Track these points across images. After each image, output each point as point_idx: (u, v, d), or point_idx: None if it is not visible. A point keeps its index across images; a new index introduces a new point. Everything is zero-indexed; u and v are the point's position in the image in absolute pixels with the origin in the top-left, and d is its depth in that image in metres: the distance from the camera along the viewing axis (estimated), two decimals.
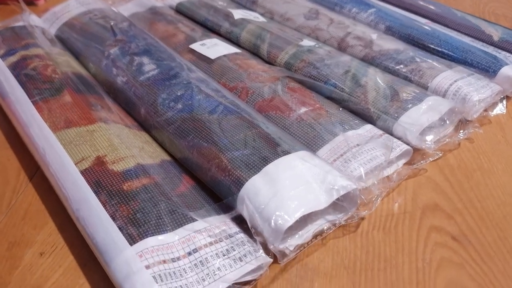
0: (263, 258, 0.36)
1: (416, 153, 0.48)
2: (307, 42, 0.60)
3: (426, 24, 0.65)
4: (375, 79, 0.53)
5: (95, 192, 0.38)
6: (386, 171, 0.46)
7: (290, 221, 0.36)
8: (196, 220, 0.38)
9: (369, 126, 0.49)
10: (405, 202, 0.44)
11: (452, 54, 0.60)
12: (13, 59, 0.54)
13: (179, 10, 0.72)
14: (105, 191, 0.38)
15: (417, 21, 0.66)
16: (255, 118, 0.46)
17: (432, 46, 0.61)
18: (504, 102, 0.56)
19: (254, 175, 0.39)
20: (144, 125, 0.48)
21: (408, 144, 0.47)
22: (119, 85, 0.52)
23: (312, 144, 0.46)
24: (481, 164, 0.49)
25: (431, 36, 0.62)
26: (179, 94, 0.48)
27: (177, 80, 0.50)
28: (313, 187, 0.39)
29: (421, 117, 0.48)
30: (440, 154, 0.48)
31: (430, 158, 0.47)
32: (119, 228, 0.36)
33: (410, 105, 0.50)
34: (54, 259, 0.38)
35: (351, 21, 0.66)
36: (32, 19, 0.62)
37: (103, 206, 0.37)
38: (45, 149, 0.43)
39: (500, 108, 0.56)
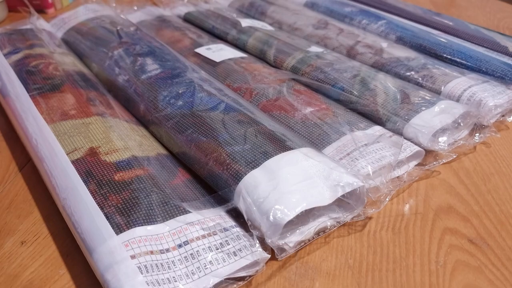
0: (260, 254, 0.33)
1: (428, 155, 0.45)
2: (315, 49, 0.59)
3: (438, 35, 0.63)
4: (385, 83, 0.51)
5: (85, 181, 0.36)
6: (397, 171, 0.43)
7: (290, 215, 0.33)
8: (189, 212, 0.35)
9: (378, 128, 0.46)
10: (417, 203, 0.41)
11: (465, 62, 0.57)
12: (16, 57, 0.53)
13: (187, 19, 0.71)
14: (95, 181, 0.36)
15: (429, 32, 0.64)
16: (258, 116, 0.43)
17: (444, 55, 0.59)
18: None
19: (253, 169, 0.37)
20: (143, 121, 0.46)
21: (419, 146, 0.45)
22: (120, 83, 0.50)
23: (317, 142, 0.43)
24: (499, 168, 0.46)
25: (443, 46, 0.60)
26: (180, 91, 0.46)
27: (179, 79, 0.48)
28: (316, 183, 0.36)
29: (433, 119, 0.46)
30: (454, 156, 0.45)
31: (443, 160, 0.44)
32: (106, 217, 0.33)
33: (422, 108, 0.47)
34: (36, 249, 0.36)
35: (361, 31, 0.64)
36: (40, 23, 0.62)
37: (92, 195, 0.35)
38: (37, 139, 0.41)
39: None
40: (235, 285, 0.32)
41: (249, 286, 0.33)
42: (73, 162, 0.38)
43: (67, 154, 0.39)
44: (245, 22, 0.65)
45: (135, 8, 0.72)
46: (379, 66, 0.57)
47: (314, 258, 0.36)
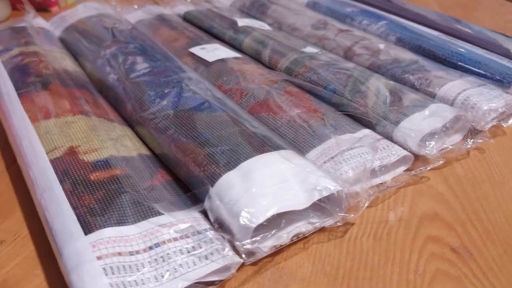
0: (231, 258, 0.32)
1: (418, 160, 0.44)
2: (310, 49, 0.58)
3: (438, 36, 0.62)
4: (378, 85, 0.50)
5: (60, 181, 0.36)
6: (383, 176, 0.42)
7: (260, 219, 0.33)
8: (163, 214, 0.35)
9: (367, 131, 0.45)
10: (402, 210, 0.40)
11: (464, 65, 0.56)
12: (9, 54, 0.53)
13: (186, 18, 0.71)
14: (70, 180, 0.36)
15: (428, 33, 0.63)
16: (242, 117, 0.43)
17: (443, 57, 0.58)
18: None
19: (229, 170, 0.36)
20: (129, 121, 0.46)
21: (408, 150, 0.44)
22: (110, 82, 0.50)
23: (302, 145, 0.43)
24: (492, 175, 0.44)
25: (442, 48, 0.59)
26: (166, 91, 0.46)
27: (167, 78, 0.48)
28: (292, 186, 0.35)
29: (422, 123, 0.45)
30: (441, 162, 0.44)
31: (431, 165, 0.43)
32: (77, 217, 0.33)
33: (412, 111, 0.46)
34: (14, 248, 0.36)
35: (361, 32, 0.63)
36: (37, 21, 0.62)
37: (66, 195, 0.35)
38: (21, 138, 0.42)
39: None
40: None
41: None
42: (51, 161, 0.38)
43: (47, 153, 0.39)
44: (242, 22, 0.65)
45: (136, 7, 0.72)
46: (375, 68, 0.56)
47: (290, 264, 0.35)
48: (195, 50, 0.58)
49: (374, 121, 0.47)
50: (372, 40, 0.61)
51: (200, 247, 0.33)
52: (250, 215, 0.33)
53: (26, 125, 0.42)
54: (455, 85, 0.51)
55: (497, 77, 0.53)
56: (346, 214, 0.37)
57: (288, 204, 0.34)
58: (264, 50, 0.59)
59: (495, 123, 0.50)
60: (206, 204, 0.35)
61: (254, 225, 0.33)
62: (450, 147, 0.45)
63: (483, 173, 0.44)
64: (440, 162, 0.44)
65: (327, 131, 0.43)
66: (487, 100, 0.49)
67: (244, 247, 0.33)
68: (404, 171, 0.44)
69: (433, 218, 0.39)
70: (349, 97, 0.49)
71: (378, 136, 0.45)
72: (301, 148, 0.43)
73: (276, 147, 0.39)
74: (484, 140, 0.47)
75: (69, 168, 0.37)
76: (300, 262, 0.35)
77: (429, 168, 0.43)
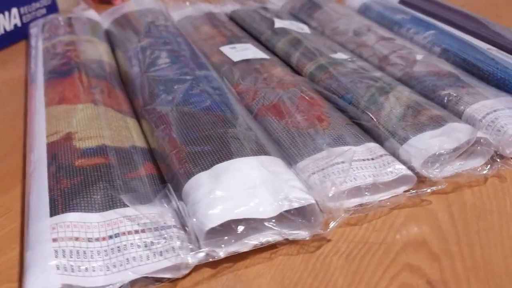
0: (183, 258, 0.32)
1: (425, 182, 0.41)
2: (340, 55, 0.56)
3: (488, 50, 0.57)
4: (398, 98, 0.47)
5: (49, 164, 0.38)
6: (379, 195, 0.39)
7: (215, 222, 0.32)
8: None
9: (372, 145, 0.43)
10: (388, 232, 0.37)
11: (508, 83, 0.51)
12: (51, 42, 0.57)
13: (232, 17, 0.72)
14: (57, 164, 0.38)
15: (478, 46, 0.58)
16: (239, 119, 0.43)
17: (486, 74, 0.53)
18: None
19: (203, 171, 0.36)
20: (137, 113, 0.48)
21: (413, 170, 0.41)
22: (132, 74, 0.52)
23: (295, 153, 0.41)
24: (504, 206, 0.40)
25: (487, 63, 0.54)
26: (175, 87, 0.47)
27: (182, 75, 0.49)
28: (260, 194, 0.35)
29: (431, 142, 0.41)
30: (442, 186, 0.40)
31: (432, 188, 0.40)
32: (50, 199, 0.35)
33: (424, 129, 0.43)
34: (2, 222, 0.38)
35: (403, 41, 0.60)
36: (88, 13, 0.66)
37: (48, 177, 0.37)
38: (33, 120, 0.45)
39: None
40: (152, 285, 0.32)
41: None
42: (48, 144, 0.40)
43: (47, 136, 0.41)
44: (280, 23, 0.64)
45: (187, 3, 0.74)
46: (407, 79, 0.53)
47: (249, 272, 0.34)
48: (225, 49, 0.58)
49: (383, 135, 0.44)
50: (413, 49, 0.57)
51: (158, 243, 0.33)
52: (206, 217, 0.33)
53: (40, 109, 0.45)
54: (486, 104, 0.47)
55: None
56: (320, 230, 0.36)
57: (250, 211, 0.34)
58: (294, 53, 0.58)
59: None
60: (175, 202, 0.35)
61: (206, 228, 0.32)
62: (461, 171, 0.42)
63: (494, 204, 0.40)
64: (440, 186, 0.40)
65: (322, 141, 0.41)
66: None
67: (200, 248, 0.33)
68: (405, 191, 0.41)
69: (419, 246, 0.36)
70: (362, 108, 0.47)
71: (382, 152, 0.42)
72: (293, 156, 0.41)
73: (258, 152, 0.38)
74: (507, 168, 0.43)
75: (59, 152, 0.39)
76: (261, 272, 0.34)
77: (429, 191, 0.40)
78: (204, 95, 0.46)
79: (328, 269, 0.34)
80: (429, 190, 0.40)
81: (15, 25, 0.68)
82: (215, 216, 0.33)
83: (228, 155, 0.37)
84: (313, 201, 0.35)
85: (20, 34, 0.68)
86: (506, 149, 0.44)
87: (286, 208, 0.34)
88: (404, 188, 0.41)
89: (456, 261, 0.35)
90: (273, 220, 0.34)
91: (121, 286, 0.31)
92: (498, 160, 0.43)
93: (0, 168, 0.45)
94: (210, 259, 0.33)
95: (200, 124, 0.41)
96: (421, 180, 0.41)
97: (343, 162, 0.40)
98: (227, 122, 0.42)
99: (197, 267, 0.34)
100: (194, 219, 0.34)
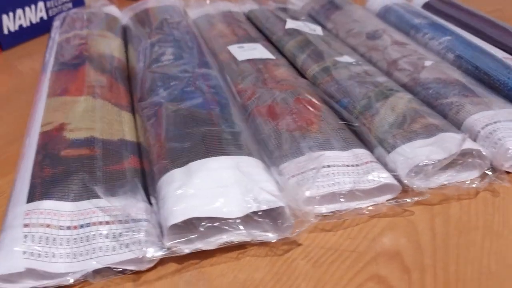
0: (145, 252, 0.33)
1: (409, 192, 0.40)
2: (346, 59, 0.55)
3: (504, 58, 0.54)
4: (395, 104, 0.46)
5: (37, 152, 0.40)
6: (355, 202, 0.39)
7: (178, 219, 0.33)
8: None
9: (360, 151, 0.42)
10: (362, 241, 0.37)
11: None
12: (67, 35, 0.60)
13: (248, 17, 0.72)
14: (44, 152, 0.40)
15: (493, 54, 0.55)
16: (227, 118, 0.43)
17: (497, 83, 0.51)
18: None
19: (178, 167, 0.37)
20: (134, 108, 0.49)
21: (398, 179, 0.40)
22: (136, 70, 0.53)
23: (279, 155, 0.41)
24: (490, 223, 0.38)
25: (500, 72, 0.51)
26: (172, 83, 0.48)
27: (181, 73, 0.50)
28: (228, 194, 0.35)
29: (419, 152, 0.40)
30: (423, 198, 0.39)
31: (413, 198, 0.39)
32: (30, 186, 0.36)
33: (415, 137, 0.42)
34: None
35: (414, 46, 0.58)
36: (108, 9, 0.68)
37: (34, 165, 0.38)
38: (35, 109, 0.47)
39: None
40: (113, 276, 0.33)
41: (136, 281, 0.34)
42: (41, 133, 0.42)
43: (41, 126, 0.43)
44: (292, 24, 0.64)
45: (208, 1, 0.75)
46: (412, 86, 0.51)
47: (213, 271, 0.34)
48: (232, 47, 0.59)
49: (374, 142, 0.43)
50: (423, 55, 0.55)
51: (127, 235, 0.34)
52: (171, 213, 0.33)
53: (43, 99, 0.47)
54: (487, 115, 0.45)
55: None
56: (289, 234, 0.35)
57: (216, 211, 0.34)
58: (301, 54, 0.58)
59: None
60: (141, 196, 0.36)
61: (169, 224, 0.33)
62: (450, 183, 0.40)
63: (481, 219, 0.39)
64: (423, 197, 0.39)
65: (305, 144, 0.41)
66: None
67: (165, 243, 0.33)
68: (388, 200, 0.40)
69: (392, 257, 0.35)
70: (357, 113, 0.46)
71: (369, 159, 0.41)
72: (277, 158, 0.41)
73: (235, 153, 0.38)
74: (500, 182, 0.41)
75: (49, 142, 0.41)
76: (224, 271, 0.34)
77: (409, 201, 0.39)
78: (197, 93, 0.46)
79: (293, 273, 0.34)
80: (409, 200, 0.39)
81: (41, 18, 0.71)
82: (179, 212, 0.33)
83: (204, 154, 0.38)
84: (282, 204, 0.35)
85: (46, 27, 0.71)
86: (500, 163, 0.42)
87: (254, 209, 0.34)
88: (388, 197, 0.40)
89: (426, 275, 0.34)
90: (239, 221, 0.34)
91: (85, 275, 0.32)
92: (490, 173, 0.41)
93: (5, 152, 0.47)
94: (173, 254, 0.33)
95: (186, 122, 0.42)
96: (406, 190, 0.40)
97: (323, 167, 0.39)
98: (212, 121, 0.42)
99: (163, 262, 0.35)
100: (161, 215, 0.34)
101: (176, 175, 0.36)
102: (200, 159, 0.37)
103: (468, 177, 0.42)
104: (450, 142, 0.41)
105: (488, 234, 0.37)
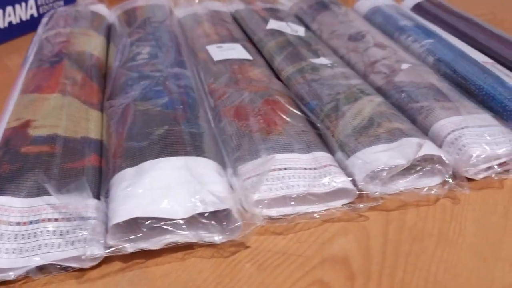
0: (88, 249, 0.33)
1: (363, 197, 0.39)
2: (322, 60, 0.55)
3: (483, 62, 0.53)
4: (362, 108, 0.45)
5: (0, 148, 0.40)
6: (306, 206, 0.38)
7: (121, 218, 0.33)
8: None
9: (321, 154, 0.41)
10: (311, 245, 0.36)
11: (489, 100, 0.48)
12: (49, 33, 0.60)
13: (234, 17, 0.72)
14: (6, 148, 0.40)
15: (472, 58, 0.54)
16: (190, 118, 0.43)
17: (473, 88, 0.50)
18: None
19: (130, 167, 0.37)
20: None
21: (356, 184, 0.39)
22: (112, 68, 0.54)
23: (238, 157, 0.41)
24: (446, 230, 0.37)
25: (477, 76, 0.50)
26: (142, 83, 0.48)
27: (153, 72, 0.50)
28: (175, 194, 0.35)
29: (378, 156, 0.40)
30: (376, 203, 0.38)
31: (367, 204, 0.38)
32: None
33: (376, 142, 0.41)
34: None
35: (395, 48, 0.57)
36: (96, 7, 0.69)
37: None
38: (6, 106, 0.47)
39: None
40: (57, 272, 0.33)
41: (79, 278, 0.34)
42: (6, 129, 0.43)
43: (8, 122, 0.44)
44: (274, 24, 0.63)
45: (196, 1, 0.75)
46: (386, 89, 0.51)
47: (157, 271, 0.35)
48: (211, 47, 0.59)
49: (335, 146, 0.43)
50: (402, 58, 0.55)
51: (73, 233, 0.35)
52: (115, 212, 0.34)
53: (15, 95, 0.48)
54: (454, 121, 0.44)
55: None
56: (235, 236, 0.35)
57: (161, 211, 0.34)
58: (278, 56, 0.57)
59: (495, 173, 0.42)
60: (87, 194, 0.36)
61: (112, 223, 0.33)
62: (408, 189, 0.40)
63: (437, 227, 0.38)
64: (375, 203, 0.38)
65: (263, 146, 0.41)
66: (487, 144, 0.41)
67: (109, 242, 0.34)
68: (347, 204, 0.39)
69: (339, 263, 0.35)
70: (323, 116, 0.46)
71: (329, 162, 0.41)
72: (236, 159, 0.41)
73: (189, 153, 0.38)
74: (460, 189, 0.40)
75: (12, 138, 0.41)
76: (168, 271, 0.34)
77: (361, 206, 0.38)
78: (165, 92, 0.46)
79: (236, 276, 0.34)
80: (361, 206, 0.38)
81: (31, 15, 0.72)
82: (123, 212, 0.34)
83: (158, 154, 0.38)
84: (228, 206, 0.35)
85: (36, 24, 0.72)
86: (464, 170, 0.41)
87: (200, 210, 0.34)
88: (344, 201, 0.39)
89: (371, 283, 0.33)
90: (183, 221, 0.34)
91: (28, 271, 0.33)
92: (451, 180, 0.40)
93: None
94: (116, 253, 0.34)
95: (147, 121, 0.42)
96: (362, 195, 0.39)
97: (280, 169, 0.39)
98: (174, 121, 0.42)
99: (109, 260, 0.35)
100: (108, 214, 0.34)
101: (127, 174, 0.37)
102: (153, 159, 0.37)
103: (429, 183, 0.41)
104: (411, 147, 0.40)
105: (441, 242, 0.37)
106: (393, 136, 0.42)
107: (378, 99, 0.48)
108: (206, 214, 0.35)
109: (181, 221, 0.34)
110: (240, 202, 0.36)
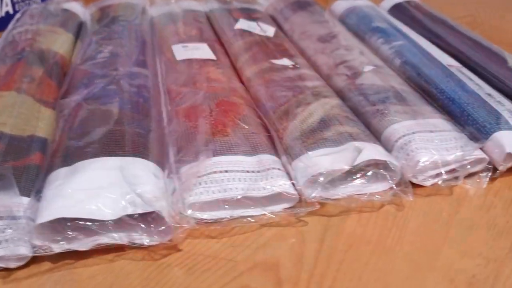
0: (12, 249, 0.33)
1: (302, 202, 0.39)
2: (284, 61, 0.54)
3: (448, 66, 0.52)
4: (314, 110, 0.45)
5: None
6: (241, 210, 0.38)
7: (46, 217, 0.33)
8: None
9: (266, 157, 0.41)
10: (243, 250, 0.36)
11: (449, 104, 0.46)
12: (18, 29, 0.60)
13: (208, 16, 0.71)
14: None
15: (438, 61, 0.53)
16: (137, 118, 0.43)
17: (435, 91, 0.48)
18: (489, 176, 0.42)
19: (65, 166, 0.37)
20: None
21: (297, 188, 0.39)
22: (72, 65, 0.53)
23: (181, 158, 0.41)
24: (385, 238, 0.37)
25: (440, 80, 0.49)
26: (96, 82, 0.48)
27: (110, 71, 0.50)
28: (104, 195, 0.34)
29: (321, 160, 0.39)
30: (313, 208, 0.37)
31: (302, 209, 0.38)
32: None
33: (321, 146, 0.40)
34: None
35: (360, 50, 0.56)
36: (69, 5, 0.69)
37: None
38: None
39: (474, 182, 0.41)
40: None
41: (5, 278, 0.34)
42: None
43: None
44: (243, 24, 0.63)
45: (172, 0, 0.74)
46: (346, 91, 0.50)
47: (85, 272, 0.34)
48: (176, 47, 0.58)
49: (282, 149, 0.42)
50: (367, 60, 0.54)
51: (3, 232, 0.34)
52: (40, 212, 0.34)
53: None
54: (406, 125, 0.43)
55: (479, 125, 0.43)
56: (165, 239, 0.35)
57: (88, 212, 0.34)
58: (242, 57, 0.57)
59: (443, 180, 0.41)
60: (14, 193, 0.36)
61: (36, 222, 0.33)
62: (341, 194, 0.39)
63: (376, 234, 0.37)
64: (312, 208, 0.37)
65: (205, 148, 0.40)
66: (436, 150, 0.40)
67: (35, 242, 0.33)
68: (288, 208, 0.39)
69: (268, 268, 0.34)
70: (275, 118, 0.45)
71: (273, 165, 0.40)
72: (179, 161, 0.41)
73: (128, 154, 0.38)
74: (403, 196, 0.39)
75: None
76: (95, 273, 0.34)
77: (298, 210, 0.37)
78: (117, 92, 0.46)
79: (163, 279, 0.34)
80: (298, 211, 0.37)
81: (7, 12, 0.72)
82: (49, 212, 0.33)
83: (94, 154, 0.37)
84: (157, 209, 0.34)
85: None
86: (411, 175, 0.40)
87: (129, 212, 0.34)
88: (285, 205, 0.39)
89: None
90: (111, 223, 0.34)
91: None
92: (395, 186, 0.39)
93: None
94: (42, 254, 0.33)
95: (92, 120, 0.42)
96: (302, 199, 0.39)
97: (221, 172, 0.39)
98: (119, 121, 0.42)
99: (38, 260, 0.35)
100: (35, 214, 0.34)
101: (60, 173, 0.36)
102: (89, 158, 0.37)
103: (376, 189, 0.40)
104: (355, 152, 0.39)
105: (377, 250, 0.36)
106: (341, 139, 0.41)
107: (334, 101, 0.47)
108: (135, 216, 0.34)
109: (109, 223, 0.34)
110: (172, 204, 0.35)
